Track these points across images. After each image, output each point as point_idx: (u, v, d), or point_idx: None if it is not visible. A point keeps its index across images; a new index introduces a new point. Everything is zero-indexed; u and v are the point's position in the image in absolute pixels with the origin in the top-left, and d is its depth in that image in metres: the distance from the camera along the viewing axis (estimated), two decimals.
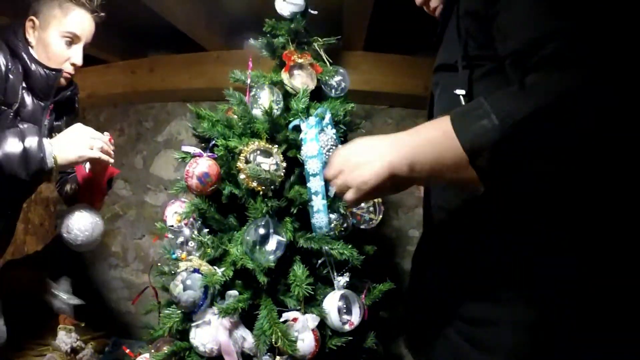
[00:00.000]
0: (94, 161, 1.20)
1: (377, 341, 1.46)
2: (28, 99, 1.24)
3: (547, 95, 0.48)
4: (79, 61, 1.27)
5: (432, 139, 0.58)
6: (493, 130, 0.51)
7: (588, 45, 0.48)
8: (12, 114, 1.19)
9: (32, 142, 1.05)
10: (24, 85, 1.23)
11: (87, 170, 1.31)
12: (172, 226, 1.47)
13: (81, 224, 1.22)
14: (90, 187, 1.32)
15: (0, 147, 1.02)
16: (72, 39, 1.25)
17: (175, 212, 1.48)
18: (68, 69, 1.28)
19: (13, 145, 1.04)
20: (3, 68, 1.18)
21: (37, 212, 2.58)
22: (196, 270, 1.28)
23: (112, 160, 1.24)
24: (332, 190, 1.39)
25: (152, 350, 1.43)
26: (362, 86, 2.04)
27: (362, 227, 1.49)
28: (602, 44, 0.48)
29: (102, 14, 1.31)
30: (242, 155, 1.32)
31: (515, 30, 0.56)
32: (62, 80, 1.29)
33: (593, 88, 0.47)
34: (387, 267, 2.12)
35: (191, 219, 1.41)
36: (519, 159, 0.51)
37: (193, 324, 1.31)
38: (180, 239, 1.37)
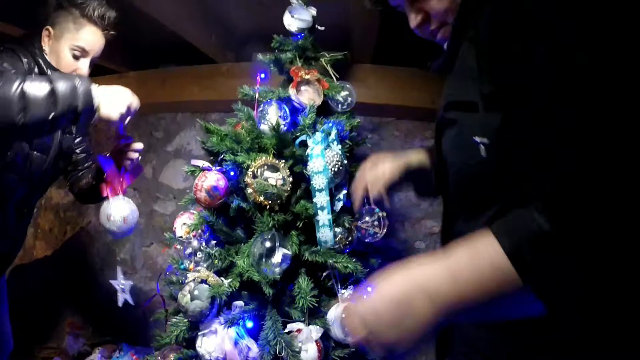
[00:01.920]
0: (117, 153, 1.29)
1: None
2: None
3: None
4: (85, 72, 1.35)
5: (483, 281, 0.48)
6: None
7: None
8: None
9: (84, 83, 1.06)
10: None
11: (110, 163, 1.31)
12: (180, 237, 1.51)
13: (121, 211, 1.25)
14: (115, 177, 1.31)
15: (55, 81, 1.03)
16: (81, 53, 1.34)
17: (184, 223, 1.52)
18: None
19: (67, 80, 1.04)
20: (26, 67, 1.29)
21: (47, 218, 2.65)
22: (204, 281, 1.32)
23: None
24: (338, 205, 1.43)
25: (159, 358, 1.46)
26: (369, 99, 2.07)
27: (366, 240, 1.52)
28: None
29: (113, 32, 1.38)
30: (250, 170, 1.36)
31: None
32: None
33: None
34: None
35: (199, 231, 1.44)
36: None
37: (200, 333, 1.34)
38: (189, 250, 1.41)
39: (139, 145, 1.32)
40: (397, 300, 0.52)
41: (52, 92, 1.00)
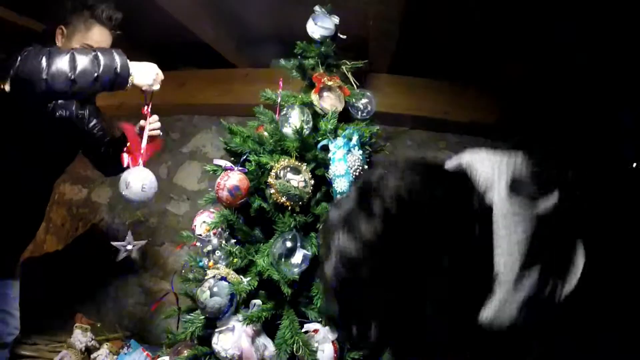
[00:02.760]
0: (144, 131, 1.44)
1: (392, 356, 1.48)
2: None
3: None
4: None
5: None
6: None
7: None
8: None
9: (124, 59, 1.30)
10: None
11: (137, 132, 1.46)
12: (200, 235, 1.53)
13: (140, 180, 1.36)
14: (137, 146, 1.43)
15: (103, 57, 1.27)
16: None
17: (204, 221, 1.55)
18: None
19: (111, 59, 1.28)
20: None
21: (59, 213, 2.69)
22: (223, 278, 1.34)
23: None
24: None
25: (173, 354, 1.47)
26: (385, 108, 2.11)
27: None
28: None
29: (119, 32, 1.49)
30: (272, 171, 1.39)
31: None
32: None
33: None
34: None
35: (219, 229, 1.47)
36: None
37: (216, 330, 1.36)
38: (209, 248, 1.43)
39: (158, 122, 1.50)
40: None
41: (96, 57, 1.24)
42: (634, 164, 1.66)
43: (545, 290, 0.53)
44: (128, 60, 1.30)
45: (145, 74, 1.34)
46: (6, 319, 1.68)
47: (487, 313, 0.53)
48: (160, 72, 1.40)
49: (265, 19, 2.05)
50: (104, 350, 2.10)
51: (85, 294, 2.42)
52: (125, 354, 2.09)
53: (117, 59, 1.27)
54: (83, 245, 2.52)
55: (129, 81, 1.31)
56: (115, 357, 2.08)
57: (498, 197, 0.54)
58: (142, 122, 1.47)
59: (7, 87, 1.24)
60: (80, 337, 2.13)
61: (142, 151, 1.40)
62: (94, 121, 1.70)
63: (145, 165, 1.41)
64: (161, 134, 1.54)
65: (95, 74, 1.23)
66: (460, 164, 0.61)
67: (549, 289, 0.53)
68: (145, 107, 1.44)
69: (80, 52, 1.25)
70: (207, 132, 2.54)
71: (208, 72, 2.43)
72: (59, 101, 1.54)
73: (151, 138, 1.47)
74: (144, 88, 1.36)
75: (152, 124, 1.48)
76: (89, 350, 2.16)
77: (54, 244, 2.54)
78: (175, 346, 1.51)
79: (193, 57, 2.50)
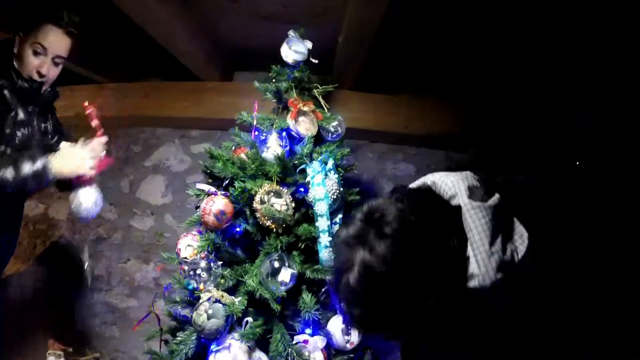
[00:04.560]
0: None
1: (372, 358, 1.66)
2: (20, 110, 1.45)
3: None
4: (43, 70, 1.42)
5: None
6: None
7: None
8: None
9: (41, 163, 1.35)
10: (11, 96, 1.42)
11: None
12: (186, 258, 1.58)
13: (88, 198, 1.48)
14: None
15: (19, 170, 1.32)
16: (40, 50, 1.41)
17: (189, 245, 1.59)
18: (35, 76, 1.44)
19: (27, 168, 1.33)
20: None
21: None
22: (217, 301, 1.41)
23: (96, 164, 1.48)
24: (335, 228, 1.59)
25: None
26: (349, 123, 2.23)
27: None
28: None
29: (73, 30, 1.46)
30: (257, 195, 1.48)
31: None
32: (44, 85, 1.47)
33: None
34: None
35: (206, 252, 1.53)
36: None
37: (213, 349, 1.43)
38: (198, 270, 1.49)
39: (103, 139, 1.51)
40: None
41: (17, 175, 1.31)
42: (577, 163, 1.91)
43: (506, 254, 0.77)
44: (47, 164, 1.35)
45: (67, 166, 1.39)
46: None
47: (475, 281, 0.76)
48: (86, 155, 1.44)
49: (235, 32, 2.07)
50: None
51: (50, 316, 2.32)
52: None
53: (29, 170, 1.32)
54: (45, 264, 2.40)
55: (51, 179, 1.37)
56: None
57: (462, 200, 0.80)
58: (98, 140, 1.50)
59: None
60: None
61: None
62: (56, 137, 1.66)
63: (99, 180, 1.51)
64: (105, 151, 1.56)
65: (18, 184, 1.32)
66: (425, 182, 0.88)
67: (509, 253, 0.77)
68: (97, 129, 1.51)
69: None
70: (170, 145, 2.52)
71: (173, 83, 2.40)
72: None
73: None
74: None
75: (103, 139, 1.51)
76: None
77: (12, 264, 2.38)
78: None
79: (157, 69, 2.45)
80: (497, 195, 0.81)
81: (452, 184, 0.82)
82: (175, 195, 2.45)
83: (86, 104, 1.50)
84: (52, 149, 1.61)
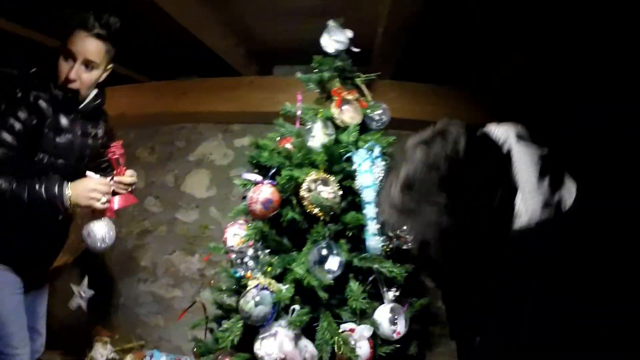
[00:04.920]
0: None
1: (419, 349, 1.62)
2: (61, 117, 1.45)
3: None
4: (72, 75, 1.40)
5: None
6: None
7: None
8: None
9: (55, 189, 1.36)
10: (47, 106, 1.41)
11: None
12: (232, 247, 1.60)
13: (101, 231, 1.47)
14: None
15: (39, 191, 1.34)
16: (69, 55, 1.40)
17: (235, 233, 1.61)
18: (71, 85, 1.42)
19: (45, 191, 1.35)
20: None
21: None
22: (265, 288, 1.42)
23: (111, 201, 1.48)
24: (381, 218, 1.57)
25: None
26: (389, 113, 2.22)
27: (404, 247, 1.66)
28: None
29: (102, 32, 1.42)
30: (304, 184, 1.48)
31: None
32: (81, 91, 1.45)
33: None
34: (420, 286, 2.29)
35: (253, 240, 1.54)
36: None
37: (259, 337, 1.44)
38: (246, 259, 1.50)
39: (130, 179, 1.51)
40: None
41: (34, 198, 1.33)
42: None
43: (553, 198, 0.80)
44: (63, 189, 1.35)
45: (81, 196, 1.39)
46: (34, 337, 1.69)
47: (520, 220, 0.79)
48: (102, 188, 1.43)
49: (272, 27, 2.09)
50: None
51: (101, 306, 2.42)
52: None
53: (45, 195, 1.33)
54: (92, 257, 2.51)
55: (68, 207, 1.38)
56: None
57: (513, 143, 0.86)
58: (116, 178, 1.49)
59: None
60: (101, 350, 2.16)
61: (114, 204, 1.48)
62: (106, 139, 1.64)
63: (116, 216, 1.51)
64: (133, 188, 1.55)
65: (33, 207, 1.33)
66: (481, 130, 0.94)
67: (556, 199, 0.81)
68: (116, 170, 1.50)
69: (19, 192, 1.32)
70: (213, 140, 2.57)
71: (211, 80, 2.45)
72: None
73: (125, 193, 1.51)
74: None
75: (125, 179, 1.50)
76: None
77: (61, 257, 2.51)
78: (215, 355, 1.58)
79: (195, 67, 2.51)
80: (545, 149, 0.87)
81: (503, 131, 0.89)
82: (220, 189, 2.50)
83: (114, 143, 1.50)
84: (99, 152, 1.62)
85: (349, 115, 1.66)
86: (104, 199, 1.43)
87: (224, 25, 1.97)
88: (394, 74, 2.28)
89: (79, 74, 1.41)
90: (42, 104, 1.40)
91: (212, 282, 1.73)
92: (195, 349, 1.76)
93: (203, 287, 2.21)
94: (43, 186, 1.35)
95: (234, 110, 2.42)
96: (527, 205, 0.79)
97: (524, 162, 0.83)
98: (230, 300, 1.68)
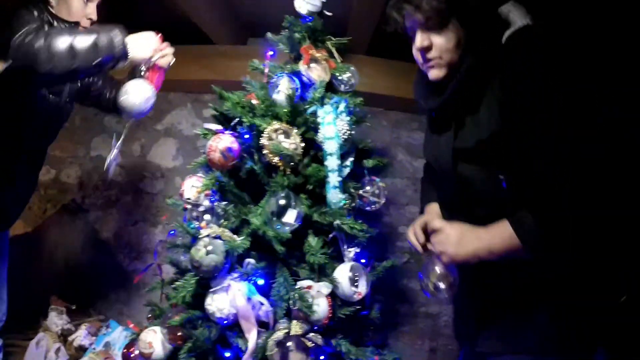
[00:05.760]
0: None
1: (380, 315, 1.57)
2: None
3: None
4: (94, 16, 1.45)
5: (503, 241, 0.89)
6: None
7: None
8: None
9: (119, 36, 1.27)
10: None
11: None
12: (189, 199, 1.53)
13: (139, 91, 1.38)
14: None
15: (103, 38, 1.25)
16: None
17: (193, 185, 1.55)
18: (85, 23, 1.44)
19: (110, 40, 1.26)
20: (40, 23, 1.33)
21: None
22: (218, 237, 1.35)
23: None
24: (345, 171, 1.52)
25: (164, 322, 1.45)
26: (363, 88, 2.19)
27: (367, 208, 1.62)
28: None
29: None
30: (265, 133, 1.43)
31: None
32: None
33: None
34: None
35: (210, 191, 1.48)
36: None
37: (210, 290, 1.37)
38: (202, 209, 1.44)
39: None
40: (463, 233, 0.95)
41: (97, 39, 1.24)
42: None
43: None
44: (126, 38, 1.28)
45: (142, 48, 1.35)
46: None
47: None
48: (157, 41, 1.41)
49: None
50: (82, 331, 2.02)
51: (56, 278, 2.30)
52: (105, 334, 2.02)
53: (116, 40, 1.25)
54: (53, 227, 2.40)
55: (127, 59, 1.31)
56: (94, 338, 2.00)
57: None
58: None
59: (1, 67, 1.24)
60: (56, 319, 2.04)
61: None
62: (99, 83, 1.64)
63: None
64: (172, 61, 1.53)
65: (96, 59, 1.23)
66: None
67: None
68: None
69: (81, 35, 1.23)
70: (182, 109, 2.51)
71: (185, 47, 2.38)
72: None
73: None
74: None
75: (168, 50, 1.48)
76: (64, 334, 2.07)
77: (22, 227, 2.38)
78: (165, 314, 1.50)
79: (166, 34, 2.45)
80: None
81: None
82: (186, 159, 2.43)
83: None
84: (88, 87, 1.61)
85: (316, 73, 1.63)
86: (156, 56, 1.39)
87: None
88: (369, 49, 2.27)
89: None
90: None
91: (169, 240, 1.63)
92: (149, 315, 1.68)
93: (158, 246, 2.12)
94: (96, 35, 1.24)
95: (206, 78, 2.36)
96: None
97: None
98: (185, 259, 1.60)
